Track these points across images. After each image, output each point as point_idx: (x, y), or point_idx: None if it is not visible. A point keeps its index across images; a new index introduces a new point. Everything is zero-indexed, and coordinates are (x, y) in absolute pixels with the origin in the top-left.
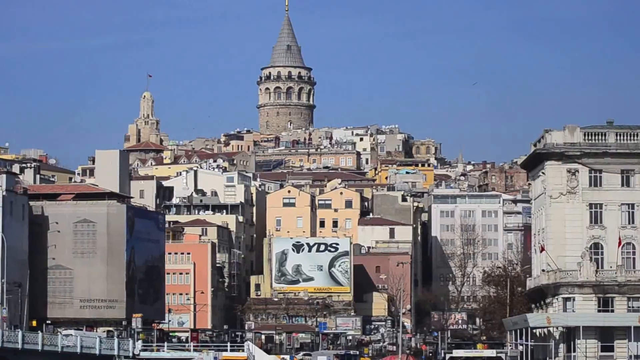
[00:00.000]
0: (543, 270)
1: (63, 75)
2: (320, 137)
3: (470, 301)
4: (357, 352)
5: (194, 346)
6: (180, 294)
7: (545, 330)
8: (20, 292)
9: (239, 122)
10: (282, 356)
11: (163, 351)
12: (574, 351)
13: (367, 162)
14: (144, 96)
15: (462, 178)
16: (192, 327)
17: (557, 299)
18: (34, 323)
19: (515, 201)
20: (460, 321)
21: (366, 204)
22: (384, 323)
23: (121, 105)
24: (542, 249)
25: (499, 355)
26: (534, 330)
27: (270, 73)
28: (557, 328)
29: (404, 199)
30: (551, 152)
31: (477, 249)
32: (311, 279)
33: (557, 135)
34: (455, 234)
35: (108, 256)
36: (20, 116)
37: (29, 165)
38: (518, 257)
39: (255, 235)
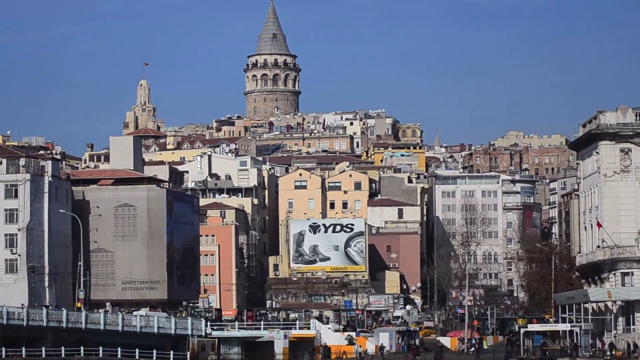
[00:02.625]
0: (598, 247)
1: (59, 63)
2: (309, 122)
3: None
4: (417, 329)
5: (264, 325)
6: (206, 275)
7: (602, 304)
8: (89, 275)
9: (226, 109)
10: (347, 333)
11: (234, 329)
12: (633, 324)
13: (357, 146)
14: (141, 84)
15: (450, 160)
16: (218, 306)
17: (614, 274)
18: (79, 305)
19: (513, 181)
20: (478, 297)
21: (374, 185)
22: (396, 300)
23: (114, 93)
24: (599, 226)
25: (573, 328)
26: (585, 305)
27: (256, 61)
28: (615, 302)
29: (409, 181)
30: (605, 133)
31: (480, 228)
32: (328, 258)
33: (610, 116)
34: (456, 213)
35: (148, 239)
36: (17, 104)
37: (54, 152)
38: (518, 235)
39: (267, 217)
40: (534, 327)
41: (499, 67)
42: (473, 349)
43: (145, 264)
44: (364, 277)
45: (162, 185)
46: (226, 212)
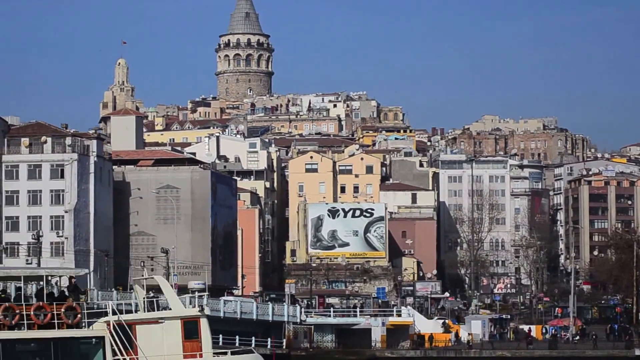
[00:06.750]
0: None
1: (33, 41)
2: (287, 103)
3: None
4: (509, 316)
5: (360, 312)
6: None
7: None
8: (168, 259)
9: (198, 90)
10: (442, 320)
11: (329, 316)
12: None
13: (341, 129)
14: (119, 63)
15: (438, 144)
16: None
17: None
18: (120, 289)
19: (521, 166)
20: (509, 285)
21: (385, 169)
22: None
23: (91, 73)
24: None
25: None
26: None
27: (229, 40)
28: None
29: (420, 165)
30: None
31: (491, 214)
32: (347, 244)
33: None
34: (463, 199)
35: (192, 222)
36: None
37: None
38: (527, 221)
39: (276, 201)
40: None
41: (477, 50)
42: (577, 337)
43: (189, 248)
44: (384, 263)
45: (205, 166)
46: (241, 196)
